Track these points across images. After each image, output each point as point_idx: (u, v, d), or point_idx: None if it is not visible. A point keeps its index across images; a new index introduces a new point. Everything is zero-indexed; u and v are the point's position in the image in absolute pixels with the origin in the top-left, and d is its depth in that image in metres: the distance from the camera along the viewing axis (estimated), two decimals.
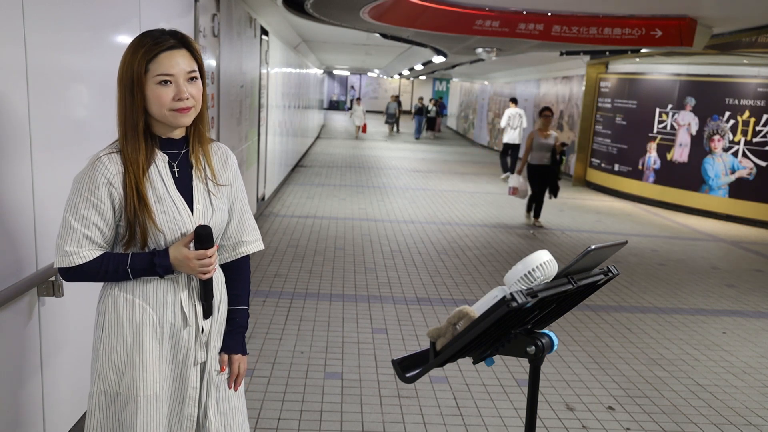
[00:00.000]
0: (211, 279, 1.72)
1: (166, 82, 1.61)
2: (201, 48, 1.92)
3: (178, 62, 1.62)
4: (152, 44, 1.61)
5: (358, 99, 23.82)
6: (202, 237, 1.65)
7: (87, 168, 1.64)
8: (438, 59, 13.25)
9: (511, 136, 13.15)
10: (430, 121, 24.58)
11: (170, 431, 1.76)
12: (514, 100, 14.18)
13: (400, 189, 11.02)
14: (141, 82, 1.60)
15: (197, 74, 1.67)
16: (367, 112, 28.69)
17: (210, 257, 1.66)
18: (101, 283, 1.75)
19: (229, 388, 1.87)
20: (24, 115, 2.17)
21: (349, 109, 39.02)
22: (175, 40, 1.64)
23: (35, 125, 2.23)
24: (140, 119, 1.63)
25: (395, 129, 25.48)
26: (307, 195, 9.72)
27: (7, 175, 2.08)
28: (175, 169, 1.71)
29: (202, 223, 1.70)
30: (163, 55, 1.61)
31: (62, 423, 2.58)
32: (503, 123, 13.31)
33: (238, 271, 1.89)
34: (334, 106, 38.39)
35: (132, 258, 1.64)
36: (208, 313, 1.75)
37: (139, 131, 1.64)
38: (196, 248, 1.65)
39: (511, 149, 13.21)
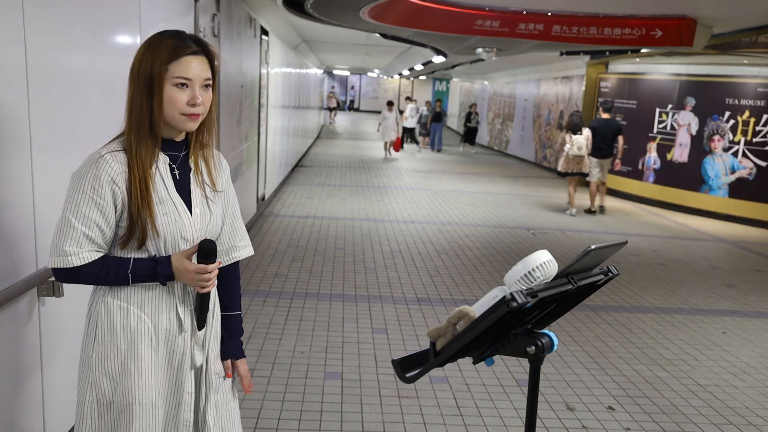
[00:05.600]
0: (208, 294, 1.71)
1: (183, 85, 1.61)
2: None
3: (197, 67, 1.62)
4: (177, 45, 1.60)
5: (390, 103, 16.35)
6: (206, 252, 1.64)
7: (89, 165, 1.60)
8: (438, 59, 13.26)
9: (408, 123, 18.94)
10: (469, 132, 19.75)
11: None
12: (409, 98, 20.46)
13: (400, 189, 11.02)
14: (161, 80, 1.59)
15: (211, 82, 1.67)
16: (367, 112, 26.96)
17: (210, 272, 1.65)
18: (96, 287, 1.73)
19: (245, 391, 1.89)
20: (24, 115, 2.17)
21: (350, 109, 37.94)
22: (198, 46, 1.64)
23: (35, 125, 2.23)
24: (159, 116, 1.62)
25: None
26: (307, 195, 9.72)
27: (7, 175, 2.08)
28: (176, 171, 1.71)
29: (207, 237, 1.70)
30: (186, 59, 1.60)
31: (62, 422, 2.57)
32: (406, 113, 19.13)
33: (230, 277, 1.90)
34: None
35: (134, 263, 1.62)
36: (201, 325, 1.75)
37: (154, 128, 1.63)
38: (199, 262, 1.65)
39: (409, 131, 18.96)
